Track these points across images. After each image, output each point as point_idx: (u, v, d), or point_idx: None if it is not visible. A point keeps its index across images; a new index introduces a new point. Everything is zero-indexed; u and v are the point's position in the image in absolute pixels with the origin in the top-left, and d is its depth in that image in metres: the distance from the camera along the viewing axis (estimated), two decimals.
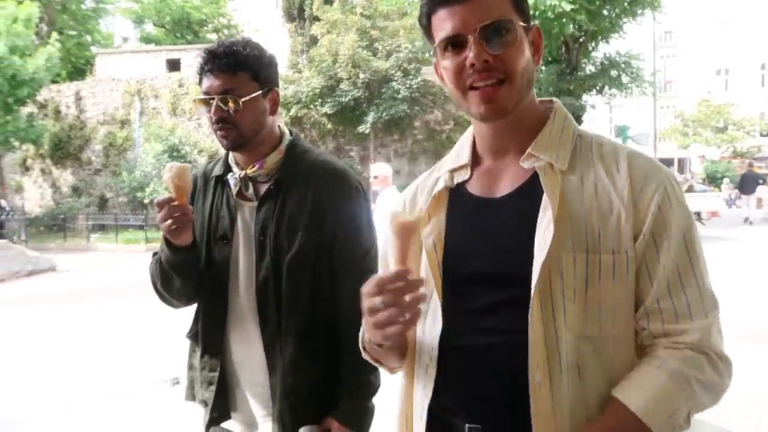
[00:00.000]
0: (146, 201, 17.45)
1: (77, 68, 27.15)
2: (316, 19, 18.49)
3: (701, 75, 36.24)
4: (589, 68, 16.34)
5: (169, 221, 1.44)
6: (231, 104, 1.49)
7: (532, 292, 0.95)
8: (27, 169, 22.02)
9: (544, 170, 1.01)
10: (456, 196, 1.10)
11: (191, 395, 1.71)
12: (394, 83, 16.78)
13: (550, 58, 15.62)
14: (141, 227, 17.10)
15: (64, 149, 21.40)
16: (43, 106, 21.21)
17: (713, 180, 27.40)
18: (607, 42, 16.16)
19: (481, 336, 1.01)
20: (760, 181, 19.72)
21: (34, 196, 21.76)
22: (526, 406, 0.95)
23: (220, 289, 1.59)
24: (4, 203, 18.45)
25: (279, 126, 1.66)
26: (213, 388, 1.60)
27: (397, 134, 18.63)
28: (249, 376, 1.60)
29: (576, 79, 15.60)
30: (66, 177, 21.61)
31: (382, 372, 1.24)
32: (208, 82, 1.51)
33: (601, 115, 24.73)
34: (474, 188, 1.09)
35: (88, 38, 28.91)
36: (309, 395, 1.54)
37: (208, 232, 1.61)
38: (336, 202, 1.57)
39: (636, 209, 0.98)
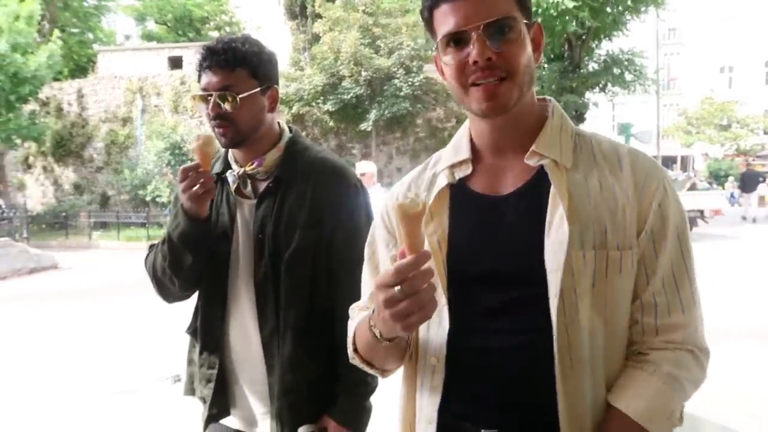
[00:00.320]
0: (148, 198, 17.49)
1: (79, 66, 27.19)
2: (318, 16, 18.47)
3: (705, 72, 36.10)
4: (592, 66, 16.23)
5: (197, 187, 1.44)
6: (229, 101, 1.48)
7: (556, 290, 0.94)
8: (29, 166, 22.06)
9: (550, 168, 1.01)
10: (458, 193, 1.08)
11: (191, 390, 1.70)
12: (396, 81, 16.78)
13: (552, 56, 15.52)
14: (143, 225, 17.07)
15: (66, 147, 21.43)
16: (45, 104, 21.22)
17: (717, 178, 27.37)
18: (610, 39, 16.06)
19: (494, 337, 0.99)
20: (761, 179, 19.71)
21: (36, 193, 21.81)
22: (545, 407, 0.94)
23: (220, 286, 1.58)
24: (0, 201, 18.48)
25: (279, 123, 1.65)
26: (212, 385, 1.60)
27: (399, 132, 18.62)
28: (248, 373, 1.60)
29: (579, 76, 15.49)
30: (68, 174, 21.64)
31: None
32: (207, 78, 1.50)
33: (604, 113, 24.62)
34: (477, 185, 1.07)
35: (90, 36, 28.99)
36: (308, 393, 1.53)
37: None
38: (335, 200, 1.56)
39: (640, 206, 0.98)
